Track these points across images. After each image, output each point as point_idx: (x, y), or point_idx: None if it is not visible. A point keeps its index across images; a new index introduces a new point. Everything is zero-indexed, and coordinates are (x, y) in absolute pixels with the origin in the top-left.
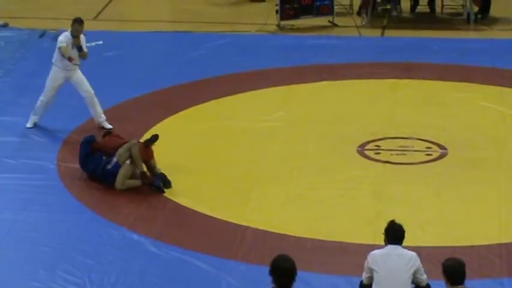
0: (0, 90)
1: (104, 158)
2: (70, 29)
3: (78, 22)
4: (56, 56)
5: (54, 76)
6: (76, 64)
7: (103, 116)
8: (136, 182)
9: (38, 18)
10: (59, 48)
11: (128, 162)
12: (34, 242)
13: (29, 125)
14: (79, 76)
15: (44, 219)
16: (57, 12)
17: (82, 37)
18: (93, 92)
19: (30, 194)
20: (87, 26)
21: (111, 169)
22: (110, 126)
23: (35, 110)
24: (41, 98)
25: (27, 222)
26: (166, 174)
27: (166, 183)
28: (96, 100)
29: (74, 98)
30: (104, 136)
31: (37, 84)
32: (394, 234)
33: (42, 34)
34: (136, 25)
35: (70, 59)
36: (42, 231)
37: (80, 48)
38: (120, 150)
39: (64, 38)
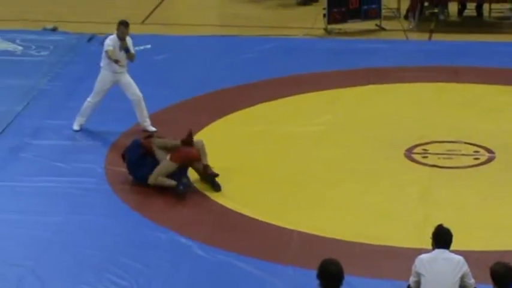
0: (49, 94)
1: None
2: (116, 32)
3: (123, 24)
4: (103, 59)
5: (103, 79)
6: (123, 66)
7: (148, 120)
8: (170, 182)
9: (87, 22)
10: (106, 51)
11: (167, 158)
12: (82, 245)
13: (75, 127)
14: (127, 79)
15: (92, 222)
16: (105, 17)
17: (128, 39)
18: (141, 95)
19: (78, 197)
20: (136, 29)
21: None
22: (153, 129)
23: (82, 112)
24: (89, 99)
25: (75, 225)
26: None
27: (216, 186)
28: (143, 104)
29: (122, 101)
30: (145, 139)
31: (85, 88)
32: (442, 238)
33: (91, 38)
34: (184, 29)
35: (117, 62)
36: (91, 234)
37: (127, 50)
38: (158, 154)
39: (111, 41)
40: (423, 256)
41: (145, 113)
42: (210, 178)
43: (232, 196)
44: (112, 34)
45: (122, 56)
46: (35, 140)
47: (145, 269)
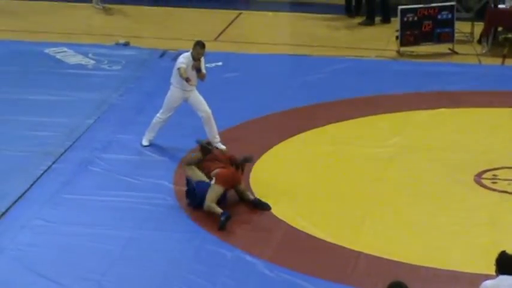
0: (119, 109)
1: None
2: (191, 51)
3: (200, 45)
4: (174, 76)
5: (172, 96)
6: (193, 85)
7: (217, 137)
8: (218, 210)
9: (159, 38)
10: (178, 69)
11: (212, 182)
12: (148, 260)
13: (144, 142)
14: (196, 97)
15: (159, 238)
16: (178, 33)
17: (201, 59)
18: (210, 112)
19: (146, 212)
20: (208, 47)
21: (191, 188)
22: (223, 147)
23: (151, 128)
24: (158, 115)
25: (142, 240)
26: (280, 197)
27: (264, 206)
28: (213, 121)
29: (192, 117)
30: (201, 149)
31: (156, 103)
32: (505, 264)
33: (163, 54)
34: (256, 47)
35: (187, 80)
36: (157, 250)
37: (198, 70)
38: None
39: (184, 59)
40: (487, 282)
41: (215, 129)
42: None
43: (300, 216)
44: (185, 51)
45: (193, 74)
46: (104, 153)
47: (210, 285)
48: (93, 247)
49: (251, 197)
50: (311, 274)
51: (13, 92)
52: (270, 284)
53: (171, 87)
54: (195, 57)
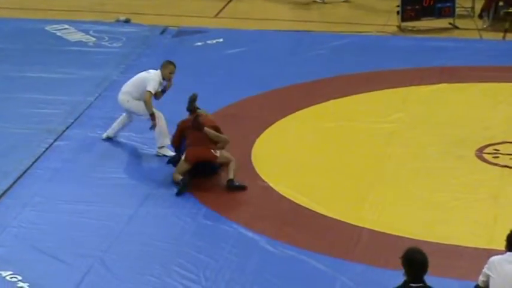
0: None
1: None
2: (160, 71)
3: (173, 64)
4: (136, 88)
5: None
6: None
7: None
8: (178, 177)
9: (160, 14)
10: (148, 91)
11: (182, 157)
12: (151, 237)
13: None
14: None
15: (161, 215)
16: (178, 9)
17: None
18: None
19: (147, 189)
20: (208, 23)
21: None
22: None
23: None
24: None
25: (144, 216)
26: (282, 173)
27: (237, 187)
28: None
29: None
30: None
31: None
32: None
33: (164, 31)
34: (257, 23)
35: (153, 117)
36: (159, 227)
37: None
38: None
39: (157, 84)
40: (495, 257)
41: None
42: (231, 186)
43: (302, 192)
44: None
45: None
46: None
47: (212, 262)
48: (95, 224)
49: (229, 175)
50: (314, 250)
51: (14, 69)
52: (273, 260)
53: (132, 98)
54: (166, 77)
